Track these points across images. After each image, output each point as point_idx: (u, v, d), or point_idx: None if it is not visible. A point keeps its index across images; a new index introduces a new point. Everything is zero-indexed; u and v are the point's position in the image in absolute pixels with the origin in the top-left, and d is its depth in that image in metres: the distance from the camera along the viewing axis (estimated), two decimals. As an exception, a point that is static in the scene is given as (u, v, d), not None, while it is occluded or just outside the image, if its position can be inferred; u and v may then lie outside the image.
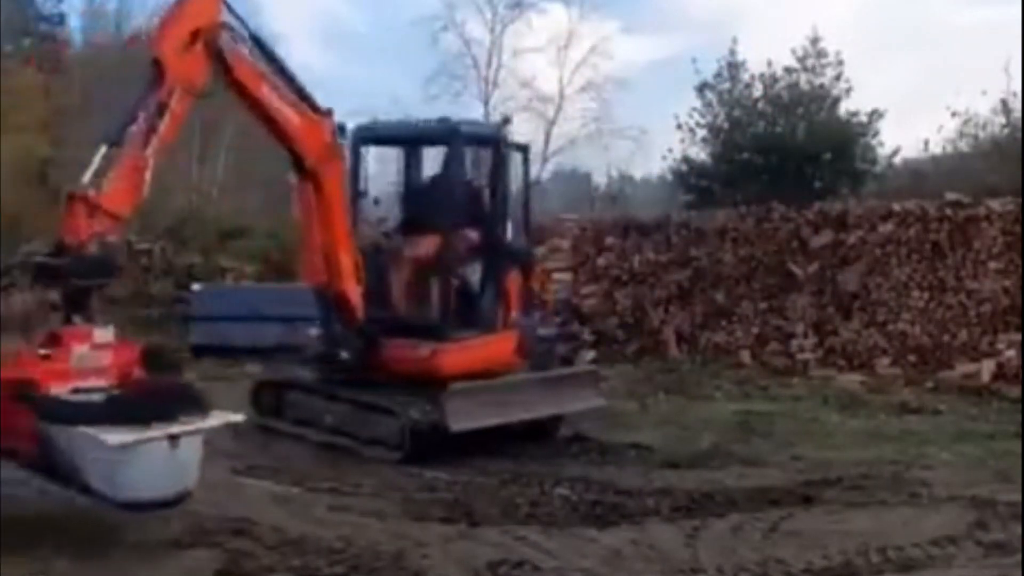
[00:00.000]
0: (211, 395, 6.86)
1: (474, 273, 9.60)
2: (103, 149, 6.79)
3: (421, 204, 9.78)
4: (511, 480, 8.24)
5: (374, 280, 9.16)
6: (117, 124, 6.93)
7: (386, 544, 6.36)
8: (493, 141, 9.71)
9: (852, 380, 13.37)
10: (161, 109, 6.97)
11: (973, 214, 13.25)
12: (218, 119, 24.10)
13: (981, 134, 19.97)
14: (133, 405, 6.11)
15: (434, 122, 9.85)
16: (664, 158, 22.70)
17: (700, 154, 21.45)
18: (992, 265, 13.04)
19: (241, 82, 7.84)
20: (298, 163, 8.59)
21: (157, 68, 7.06)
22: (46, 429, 6.04)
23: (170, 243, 19.96)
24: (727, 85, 21.46)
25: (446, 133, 9.60)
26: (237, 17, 7.71)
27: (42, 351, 6.34)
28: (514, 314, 9.77)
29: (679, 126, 21.42)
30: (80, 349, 6.34)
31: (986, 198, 13.40)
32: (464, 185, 9.61)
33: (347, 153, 9.26)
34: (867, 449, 9.64)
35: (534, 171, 28.77)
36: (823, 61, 21.17)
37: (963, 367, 13.00)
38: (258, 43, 7.96)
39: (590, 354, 15.48)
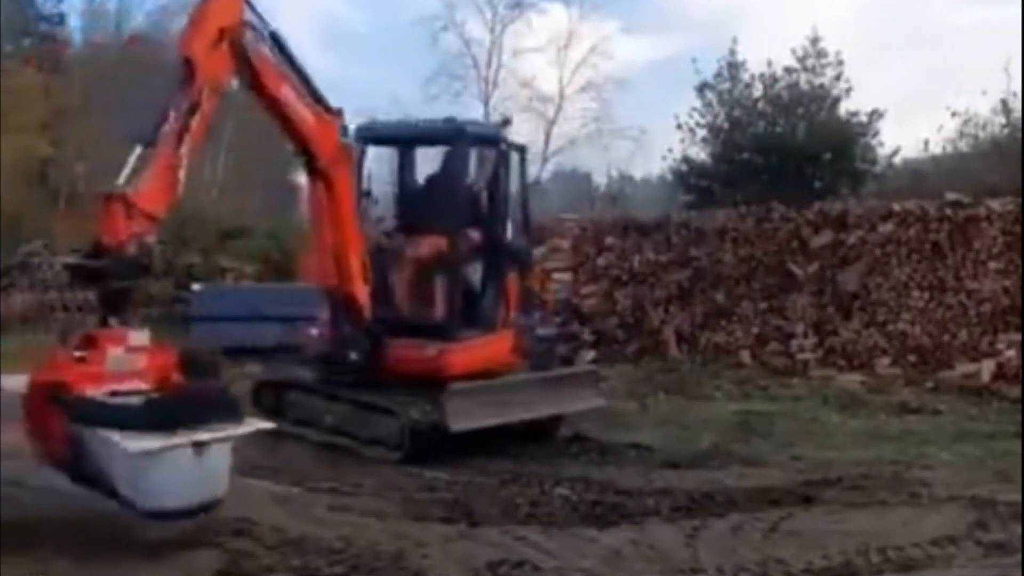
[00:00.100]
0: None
1: (476, 273, 9.62)
2: (138, 149, 6.71)
3: (424, 204, 9.79)
4: (511, 480, 8.23)
5: (378, 280, 9.17)
6: (150, 124, 6.84)
7: (386, 544, 6.36)
8: (496, 142, 9.74)
9: (852, 380, 13.37)
10: (193, 108, 6.93)
11: (973, 214, 13.25)
12: (218, 119, 24.11)
13: (981, 134, 20.00)
14: (163, 410, 6.01)
15: (440, 122, 9.86)
16: (664, 158, 22.75)
17: (700, 154, 21.47)
18: (992, 265, 13.04)
19: (263, 81, 7.80)
20: (310, 163, 8.54)
21: (187, 67, 7.01)
22: (77, 432, 5.97)
23: (170, 243, 19.96)
24: (727, 85, 21.46)
25: (452, 134, 9.61)
26: (258, 16, 7.69)
27: (77, 353, 6.25)
28: (512, 313, 9.78)
29: (679, 126, 21.46)
30: (115, 352, 6.23)
31: (986, 198, 13.40)
32: (468, 185, 9.62)
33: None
34: (867, 449, 9.64)
35: (534, 171, 28.80)
36: (823, 61, 21.18)
37: (963, 367, 13.00)
38: (277, 42, 7.93)
39: (590, 354, 15.49)
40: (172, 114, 6.86)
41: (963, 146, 20.26)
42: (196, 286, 16.63)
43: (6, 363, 13.14)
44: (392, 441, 8.91)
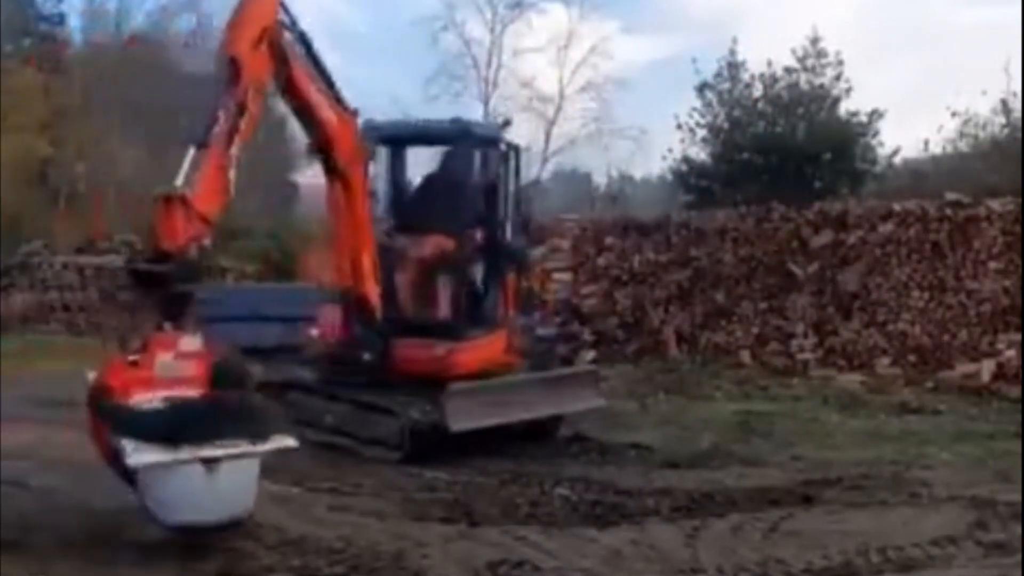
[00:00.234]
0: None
1: (478, 273, 9.62)
2: (191, 151, 6.59)
3: (424, 204, 9.79)
4: (511, 480, 8.23)
5: (383, 280, 9.16)
6: (201, 125, 6.71)
7: (386, 544, 6.36)
8: (498, 142, 9.76)
9: (852, 380, 13.37)
10: (241, 109, 6.87)
11: (973, 214, 13.26)
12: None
13: (981, 134, 20.00)
14: (173, 422, 5.83)
15: (447, 122, 9.88)
16: (664, 158, 22.78)
17: (700, 154, 21.50)
18: (992, 265, 13.04)
19: (296, 82, 7.77)
20: (330, 164, 8.50)
21: (233, 67, 6.92)
22: (115, 438, 5.88)
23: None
24: (727, 85, 21.47)
25: (459, 134, 9.64)
26: (290, 16, 7.67)
27: (131, 357, 6.15)
28: (511, 312, 9.80)
29: (679, 126, 21.48)
30: (165, 357, 6.07)
31: (986, 198, 13.41)
32: (473, 186, 9.63)
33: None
34: (867, 449, 9.63)
35: (534, 171, 28.74)
36: (823, 61, 21.20)
37: (963, 367, 13.01)
38: (304, 42, 7.91)
39: (590, 354, 15.50)
40: (221, 115, 6.74)
41: (963, 146, 20.29)
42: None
43: (6, 363, 13.20)
44: (392, 441, 8.91)
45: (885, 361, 13.64)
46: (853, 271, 14.10)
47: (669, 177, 23.39)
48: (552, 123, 32.35)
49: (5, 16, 27.15)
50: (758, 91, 21.21)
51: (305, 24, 7.82)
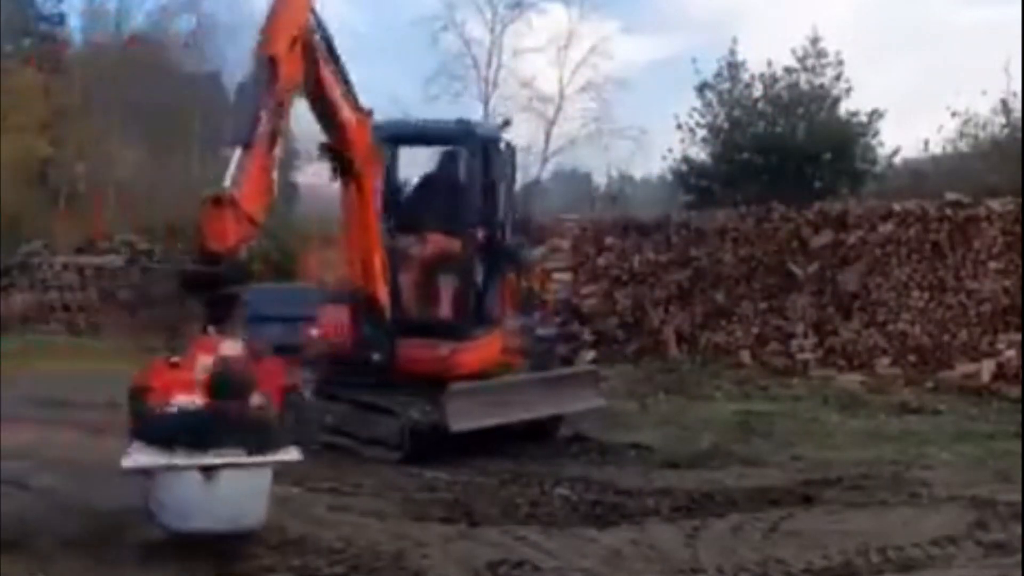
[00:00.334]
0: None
1: (479, 272, 9.62)
2: (237, 152, 6.50)
3: (425, 204, 9.79)
4: (511, 480, 8.23)
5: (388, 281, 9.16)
6: (244, 125, 6.61)
7: (386, 544, 6.35)
8: (499, 143, 9.77)
9: (852, 380, 13.38)
10: (279, 109, 6.83)
11: (973, 214, 13.27)
12: (219, 119, 24.13)
13: (981, 134, 20.00)
14: (166, 427, 5.78)
15: (452, 123, 9.92)
16: (664, 158, 22.77)
17: (700, 154, 21.49)
18: (992, 265, 13.05)
19: (322, 83, 7.73)
20: (345, 165, 8.45)
21: (271, 68, 6.84)
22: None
23: (171, 244, 19.98)
24: (727, 85, 21.47)
25: (463, 135, 9.66)
26: (316, 17, 7.66)
27: (173, 359, 6.09)
28: (511, 312, 9.81)
29: (679, 126, 21.48)
30: (205, 360, 5.98)
31: (986, 198, 13.43)
32: (473, 186, 9.63)
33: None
34: (867, 449, 9.64)
35: (534, 171, 28.71)
36: (823, 61, 21.20)
37: (963, 367, 13.02)
38: (328, 44, 7.89)
39: (590, 354, 15.50)
40: (263, 115, 6.65)
41: (963, 146, 20.28)
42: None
43: (6, 363, 13.20)
44: (392, 441, 8.91)
45: (885, 361, 13.66)
46: (853, 271, 14.11)
47: (669, 177, 23.41)
48: (552, 123, 32.31)
49: (5, 16, 27.18)
50: (758, 91, 21.23)
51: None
